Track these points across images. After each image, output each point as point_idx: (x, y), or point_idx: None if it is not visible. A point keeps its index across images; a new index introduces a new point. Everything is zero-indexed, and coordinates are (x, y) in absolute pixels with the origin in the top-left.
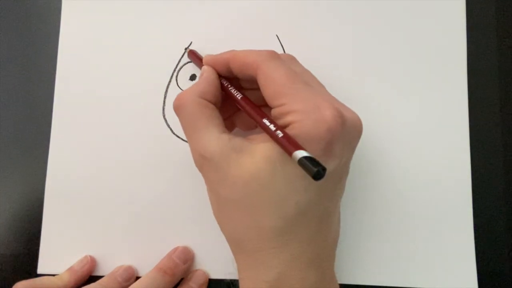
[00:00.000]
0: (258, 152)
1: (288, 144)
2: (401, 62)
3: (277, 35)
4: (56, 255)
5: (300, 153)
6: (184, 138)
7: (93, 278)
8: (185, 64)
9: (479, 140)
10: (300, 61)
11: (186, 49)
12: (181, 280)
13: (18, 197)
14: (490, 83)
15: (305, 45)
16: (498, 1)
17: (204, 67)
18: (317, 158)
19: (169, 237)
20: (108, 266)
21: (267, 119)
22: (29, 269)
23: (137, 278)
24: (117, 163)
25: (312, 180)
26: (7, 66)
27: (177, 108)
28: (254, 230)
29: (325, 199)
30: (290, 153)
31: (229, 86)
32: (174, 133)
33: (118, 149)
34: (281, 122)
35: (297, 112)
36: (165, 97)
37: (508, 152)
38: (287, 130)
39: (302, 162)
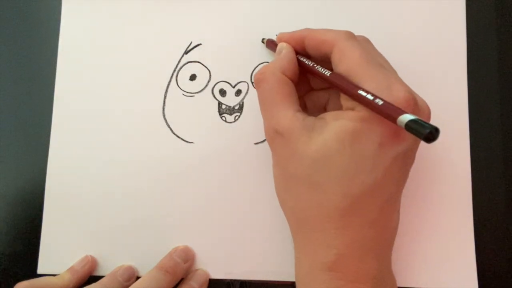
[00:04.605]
0: (327, 130)
1: (390, 110)
2: (401, 62)
3: (277, 35)
4: (56, 255)
5: (405, 118)
6: (184, 138)
7: (93, 278)
8: (185, 64)
9: (479, 140)
10: None
11: (263, 40)
12: (181, 280)
13: (18, 197)
14: (490, 83)
15: None
16: (498, 1)
17: (283, 44)
18: (385, 141)
19: (169, 237)
20: (109, 266)
21: (362, 90)
22: (29, 269)
23: (138, 277)
24: (117, 163)
25: (380, 162)
26: (7, 66)
27: (258, 82)
28: (317, 208)
29: (391, 183)
30: (394, 119)
31: (315, 65)
32: (174, 133)
33: (118, 149)
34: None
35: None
36: (165, 97)
37: (508, 152)
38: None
39: (409, 126)
